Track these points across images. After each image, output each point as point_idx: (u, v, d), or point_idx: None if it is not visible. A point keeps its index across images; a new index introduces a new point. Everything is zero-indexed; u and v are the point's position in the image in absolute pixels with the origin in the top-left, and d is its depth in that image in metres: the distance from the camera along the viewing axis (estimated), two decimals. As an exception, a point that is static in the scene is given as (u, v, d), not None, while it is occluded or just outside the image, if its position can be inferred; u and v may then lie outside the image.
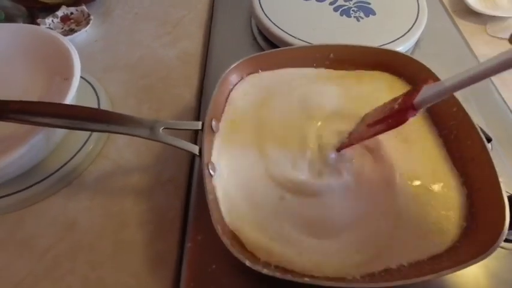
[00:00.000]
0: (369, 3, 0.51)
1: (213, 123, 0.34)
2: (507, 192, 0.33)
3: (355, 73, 0.41)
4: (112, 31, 0.56)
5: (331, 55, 0.41)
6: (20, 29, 0.41)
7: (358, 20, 0.49)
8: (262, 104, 0.38)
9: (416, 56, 0.48)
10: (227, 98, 0.38)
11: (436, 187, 0.32)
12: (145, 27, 0.56)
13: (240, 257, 0.25)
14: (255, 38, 0.51)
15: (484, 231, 0.28)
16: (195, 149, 0.31)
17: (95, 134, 0.39)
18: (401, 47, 0.46)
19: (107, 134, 0.41)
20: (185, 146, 0.30)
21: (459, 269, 0.24)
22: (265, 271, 0.25)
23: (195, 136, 0.41)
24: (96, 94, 0.43)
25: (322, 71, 0.41)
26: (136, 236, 0.34)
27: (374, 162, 0.33)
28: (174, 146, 0.30)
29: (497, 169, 0.35)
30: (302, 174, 0.32)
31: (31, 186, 0.35)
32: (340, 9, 0.50)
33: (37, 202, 0.36)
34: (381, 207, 0.31)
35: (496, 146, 0.39)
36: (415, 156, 0.34)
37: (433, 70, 0.45)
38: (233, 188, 0.32)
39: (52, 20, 0.54)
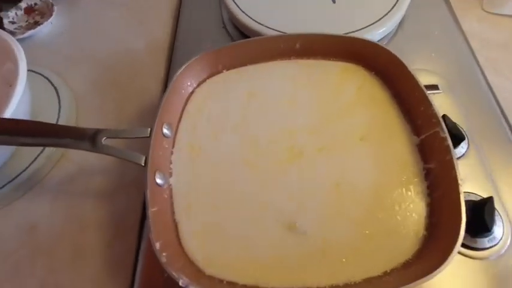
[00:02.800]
0: (348, -19, 0.46)
1: (165, 128, 0.33)
2: (476, 194, 0.32)
3: (324, 67, 0.37)
4: (78, 21, 0.53)
5: (297, 45, 0.38)
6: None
7: (333, 1, 0.44)
8: (216, 134, 0.34)
9: (399, 39, 0.45)
10: (184, 106, 0.36)
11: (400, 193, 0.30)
12: (113, 15, 0.53)
13: (178, 277, 0.24)
14: (224, 26, 0.48)
15: (442, 239, 0.26)
16: (140, 160, 0.29)
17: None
18: (382, 29, 0.42)
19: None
20: (128, 157, 0.29)
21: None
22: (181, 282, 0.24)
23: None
24: (57, 92, 0.42)
25: (289, 64, 0.38)
26: (96, 239, 0.34)
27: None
28: (117, 157, 0.29)
29: (468, 168, 0.33)
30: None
31: (-9, 193, 0.36)
32: (315, -11, 0.45)
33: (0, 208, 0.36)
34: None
35: (476, 141, 0.36)
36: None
37: (414, 56, 0.42)
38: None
39: (15, 13, 0.52)
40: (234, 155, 0.33)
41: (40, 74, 0.44)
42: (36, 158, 0.38)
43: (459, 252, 0.29)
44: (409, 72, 0.33)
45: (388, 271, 0.26)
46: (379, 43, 0.35)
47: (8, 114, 0.30)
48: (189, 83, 0.36)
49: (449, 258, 0.24)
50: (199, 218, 0.30)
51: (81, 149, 0.29)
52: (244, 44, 0.38)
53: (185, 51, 0.47)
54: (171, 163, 0.33)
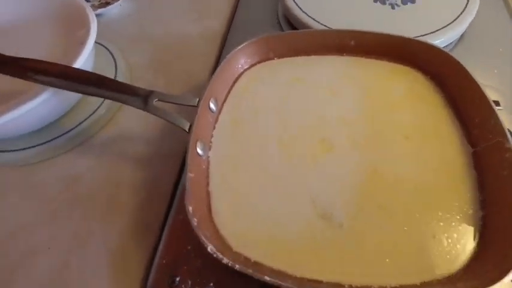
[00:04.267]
0: (411, -11, 0.45)
1: (212, 103, 0.34)
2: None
3: (375, 66, 0.37)
4: (144, 5, 0.57)
5: (352, 42, 0.37)
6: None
7: (393, 8, 0.44)
8: (257, 114, 0.35)
9: (458, 51, 0.43)
10: (232, 85, 0.37)
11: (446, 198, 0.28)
12: (175, 2, 0.57)
13: (207, 244, 0.24)
14: (278, 22, 0.49)
15: (494, 261, 0.24)
16: (185, 125, 0.30)
17: (107, 100, 0.41)
18: (440, 40, 0.40)
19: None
20: (175, 120, 0.30)
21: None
22: (237, 267, 0.23)
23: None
24: (115, 63, 0.46)
25: (341, 59, 0.38)
26: (129, 199, 0.35)
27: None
28: (164, 119, 0.30)
29: None
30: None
31: (46, 142, 0.38)
32: (376, -6, 0.45)
33: (51, 158, 0.39)
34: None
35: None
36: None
37: (475, 70, 0.40)
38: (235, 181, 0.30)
39: (91, -8, 0.57)
40: (271, 137, 0.33)
41: (103, 46, 0.48)
42: (89, 117, 0.40)
43: None
44: (473, 80, 0.31)
45: (428, 281, 0.24)
46: (440, 47, 0.34)
47: (78, 65, 0.32)
48: (240, 65, 0.38)
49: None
50: (232, 193, 0.30)
51: (135, 106, 0.30)
52: (299, 35, 0.38)
53: (237, 42, 0.48)
54: (212, 137, 0.33)
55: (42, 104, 0.32)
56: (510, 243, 0.23)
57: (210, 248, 0.24)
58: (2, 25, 0.44)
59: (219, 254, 0.24)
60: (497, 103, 0.36)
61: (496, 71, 0.40)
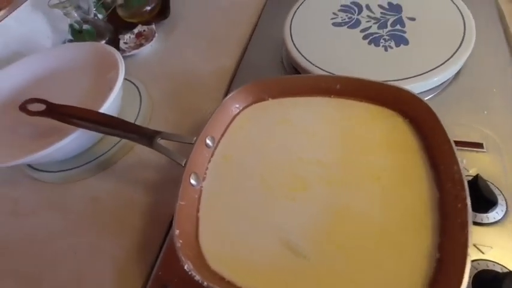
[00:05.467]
0: (404, 32, 0.48)
1: (208, 139, 0.39)
2: (504, 266, 0.29)
3: (359, 108, 0.40)
4: (170, 46, 0.66)
5: (338, 86, 0.41)
6: (86, 46, 0.54)
7: (386, 50, 0.46)
8: (247, 150, 0.39)
9: (453, 90, 0.44)
10: (230, 122, 0.42)
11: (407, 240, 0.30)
12: (195, 43, 0.65)
13: (185, 262, 0.29)
14: (282, 62, 0.54)
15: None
16: (182, 160, 0.36)
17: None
18: (433, 79, 0.42)
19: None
20: (173, 157, 0.36)
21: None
22: (205, 284, 0.28)
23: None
24: (140, 97, 0.54)
25: (327, 101, 0.42)
26: (136, 221, 0.41)
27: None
28: (166, 155, 0.36)
29: (500, 236, 0.31)
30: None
31: (79, 166, 0.47)
32: (370, 37, 0.48)
33: (78, 180, 0.47)
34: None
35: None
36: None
37: (464, 111, 0.41)
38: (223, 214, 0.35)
39: (129, 36, 0.67)
40: (255, 173, 0.37)
41: (132, 82, 0.57)
42: (110, 149, 0.48)
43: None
44: (440, 124, 0.33)
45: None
46: (414, 93, 0.36)
47: (103, 109, 0.40)
48: (237, 105, 0.43)
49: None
50: (217, 220, 0.35)
51: (142, 143, 0.37)
52: (289, 79, 0.43)
53: (244, 79, 0.54)
54: (207, 169, 0.39)
55: (75, 139, 0.40)
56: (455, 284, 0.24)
57: (186, 266, 0.29)
58: (46, 74, 0.54)
59: (193, 271, 0.28)
60: (480, 145, 0.37)
61: (485, 112, 0.40)
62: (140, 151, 0.49)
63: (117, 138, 0.49)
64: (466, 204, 0.28)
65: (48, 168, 0.48)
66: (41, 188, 0.48)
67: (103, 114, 0.38)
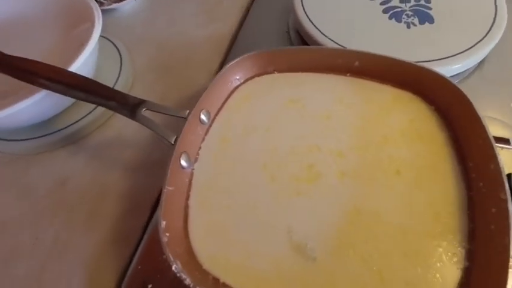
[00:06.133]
0: (430, 8, 0.43)
1: (203, 114, 0.33)
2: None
3: (378, 91, 0.35)
4: (156, 5, 0.57)
5: (357, 63, 0.36)
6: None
7: (408, 27, 0.41)
8: (247, 132, 0.33)
9: (475, 79, 0.40)
10: (228, 97, 0.36)
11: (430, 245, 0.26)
12: (187, 5, 0.56)
13: (173, 262, 0.24)
14: (288, 31, 0.48)
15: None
16: (171, 137, 0.30)
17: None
18: (457, 66, 0.38)
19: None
20: (161, 132, 0.30)
21: None
22: (187, 281, 0.23)
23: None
24: (121, 60, 0.46)
25: (342, 80, 0.36)
26: (112, 208, 0.35)
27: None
28: (151, 129, 0.30)
29: None
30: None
31: (41, 136, 0.39)
32: (391, 12, 0.43)
33: (43, 152, 0.40)
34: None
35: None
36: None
37: (488, 102, 0.38)
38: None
39: (113, -13, 0.57)
40: (257, 160, 0.31)
41: (111, 41, 0.48)
42: (84, 117, 0.40)
43: None
44: (477, 115, 0.29)
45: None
46: (447, 77, 0.32)
47: (73, 69, 0.33)
48: (237, 77, 0.37)
49: None
50: (211, 211, 0.30)
51: (122, 114, 0.30)
52: (300, 51, 0.37)
53: (243, 49, 0.47)
54: (199, 149, 0.33)
55: (35, 103, 0.33)
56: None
57: (174, 266, 0.24)
58: (6, 19, 0.44)
59: (182, 273, 0.24)
60: (506, 141, 0.34)
61: (511, 105, 0.37)
62: (116, 124, 0.42)
63: (88, 107, 0.41)
64: (506, 209, 0.24)
65: (5, 136, 0.40)
66: (-4, 159, 0.40)
67: (74, 74, 0.30)
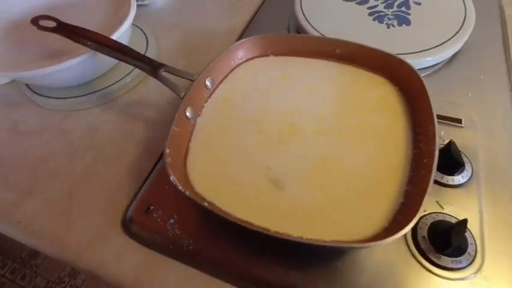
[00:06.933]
0: (409, 14, 0.50)
1: (208, 81, 0.42)
2: (457, 219, 0.32)
3: (354, 74, 0.42)
4: (184, 2, 0.67)
5: (338, 50, 0.43)
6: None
7: (388, 27, 0.49)
8: (244, 98, 0.41)
9: (444, 71, 0.46)
10: (231, 71, 0.44)
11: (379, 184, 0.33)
12: (210, 4, 0.66)
13: (171, 174, 0.31)
14: (288, 29, 0.56)
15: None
16: (181, 92, 0.38)
17: (135, 71, 0.51)
18: (425, 59, 0.45)
19: (144, 74, 0.52)
20: (174, 88, 0.38)
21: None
22: (187, 193, 0.30)
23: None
24: (147, 44, 0.56)
25: (326, 64, 0.44)
26: (131, 151, 0.44)
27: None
28: (166, 85, 0.38)
29: (460, 198, 0.34)
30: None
31: (81, 96, 0.49)
32: (376, 15, 0.51)
33: (81, 109, 0.49)
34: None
35: (480, 180, 0.35)
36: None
37: (450, 90, 0.44)
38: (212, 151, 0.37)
39: (144, -15, 0.69)
40: (250, 117, 0.39)
41: (141, 28, 0.59)
42: (116, 82, 0.50)
43: (423, 266, 0.30)
44: (426, 92, 0.35)
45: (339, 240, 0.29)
46: (408, 62, 0.39)
47: (114, 37, 0.42)
48: (239, 56, 0.45)
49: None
50: (207, 151, 0.37)
51: (146, 71, 0.39)
52: (293, 37, 0.45)
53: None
54: (203, 107, 0.41)
55: (83, 62, 0.42)
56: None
57: (172, 177, 0.31)
58: (64, 4, 0.56)
59: (177, 182, 0.31)
60: (459, 120, 0.40)
61: (470, 94, 0.43)
62: (142, 90, 0.51)
63: (120, 75, 0.51)
64: (433, 156, 0.30)
65: (49, 93, 0.50)
66: (41, 111, 0.50)
67: (114, 40, 0.40)
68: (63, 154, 0.44)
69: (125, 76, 0.51)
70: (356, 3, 0.53)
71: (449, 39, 0.46)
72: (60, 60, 0.41)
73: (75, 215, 0.39)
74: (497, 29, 0.52)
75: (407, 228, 0.26)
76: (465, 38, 0.46)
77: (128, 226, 0.37)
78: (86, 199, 0.40)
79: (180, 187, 0.30)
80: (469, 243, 0.30)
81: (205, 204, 0.30)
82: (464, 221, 0.29)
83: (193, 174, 0.35)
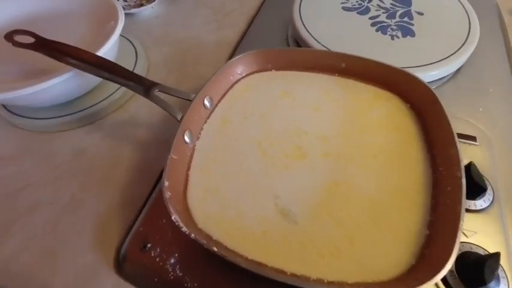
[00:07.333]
0: (412, 24, 0.48)
1: (206, 100, 0.38)
2: (485, 250, 0.30)
3: (361, 89, 0.40)
4: (173, 11, 0.64)
5: (343, 64, 0.41)
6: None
7: (392, 39, 0.47)
8: (245, 116, 0.38)
9: (451, 86, 0.45)
10: (230, 87, 0.41)
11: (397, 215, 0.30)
12: (200, 13, 0.63)
13: (173, 213, 0.28)
14: (287, 39, 0.54)
15: (426, 272, 0.26)
16: (178, 115, 0.35)
17: (122, 88, 0.47)
18: (435, 72, 0.43)
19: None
20: (170, 110, 0.35)
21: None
22: (192, 236, 0.27)
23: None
24: (136, 57, 0.52)
25: (330, 79, 0.41)
26: (122, 176, 0.40)
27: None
28: (161, 107, 0.35)
29: (484, 224, 0.32)
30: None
31: (64, 116, 0.44)
32: (378, 25, 0.49)
33: (65, 130, 0.45)
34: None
35: (502, 201, 0.34)
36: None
37: (461, 106, 0.42)
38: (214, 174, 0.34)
39: (130, -6, 0.65)
40: (252, 139, 0.36)
41: (129, 40, 0.55)
42: (102, 100, 0.46)
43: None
44: (443, 111, 0.33)
45: (363, 282, 0.26)
46: (420, 79, 0.36)
47: (100, 53, 0.38)
48: (239, 71, 0.42)
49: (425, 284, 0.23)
50: (208, 179, 0.34)
51: (138, 92, 0.35)
52: (295, 51, 0.42)
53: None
54: (202, 129, 0.38)
55: (66, 81, 0.38)
56: (443, 260, 0.25)
57: (174, 217, 0.28)
58: (45, 14, 0.51)
59: (180, 223, 0.27)
60: (473, 138, 0.38)
61: (481, 109, 0.41)
62: (131, 108, 0.47)
63: (107, 91, 0.47)
64: (460, 184, 0.28)
65: (29, 114, 0.45)
66: (19, 134, 0.45)
67: (100, 57, 0.36)
68: (46, 182, 0.40)
69: (114, 92, 0.47)
70: (357, 13, 0.51)
71: (456, 51, 0.44)
72: (41, 80, 0.37)
73: (61, 254, 0.34)
74: (499, 38, 0.51)
75: (445, 270, 0.24)
76: (472, 50, 0.44)
77: (121, 266, 0.33)
78: (72, 234, 0.35)
79: (184, 228, 0.27)
80: (500, 278, 0.28)
81: (214, 249, 0.26)
82: (497, 255, 0.27)
83: (195, 207, 0.32)
